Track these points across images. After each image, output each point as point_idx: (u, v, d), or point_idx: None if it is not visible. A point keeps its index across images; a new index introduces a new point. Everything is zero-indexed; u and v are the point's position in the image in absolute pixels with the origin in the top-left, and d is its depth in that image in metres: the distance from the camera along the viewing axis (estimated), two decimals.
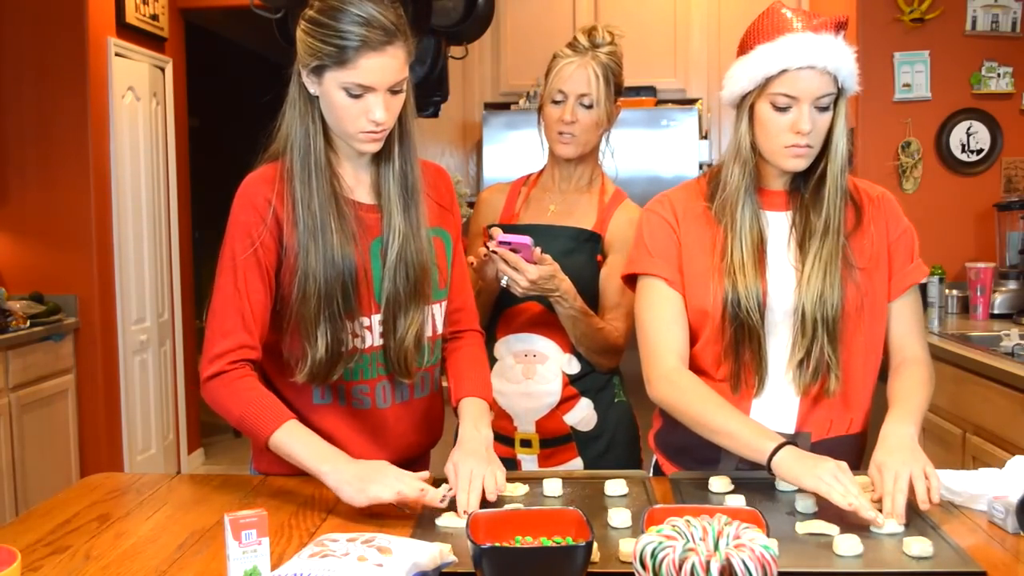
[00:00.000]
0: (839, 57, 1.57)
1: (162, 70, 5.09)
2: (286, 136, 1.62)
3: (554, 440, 2.09)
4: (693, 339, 1.71)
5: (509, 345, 2.09)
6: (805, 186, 1.67)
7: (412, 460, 1.78)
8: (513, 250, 1.89)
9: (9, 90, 4.27)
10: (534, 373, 2.07)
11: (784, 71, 1.56)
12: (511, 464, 2.08)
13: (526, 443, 2.09)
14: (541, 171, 2.20)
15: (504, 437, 2.08)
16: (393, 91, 1.56)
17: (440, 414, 1.84)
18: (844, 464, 1.45)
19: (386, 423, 1.71)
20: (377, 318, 1.65)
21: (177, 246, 5.20)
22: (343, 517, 1.49)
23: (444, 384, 1.81)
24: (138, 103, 4.77)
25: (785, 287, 1.65)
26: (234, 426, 1.60)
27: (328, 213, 1.59)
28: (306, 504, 1.55)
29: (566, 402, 2.08)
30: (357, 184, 1.67)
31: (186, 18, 5.34)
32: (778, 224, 1.68)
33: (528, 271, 1.88)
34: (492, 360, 2.08)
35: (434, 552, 1.22)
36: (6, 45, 4.26)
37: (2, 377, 3.76)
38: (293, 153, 1.61)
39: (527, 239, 1.90)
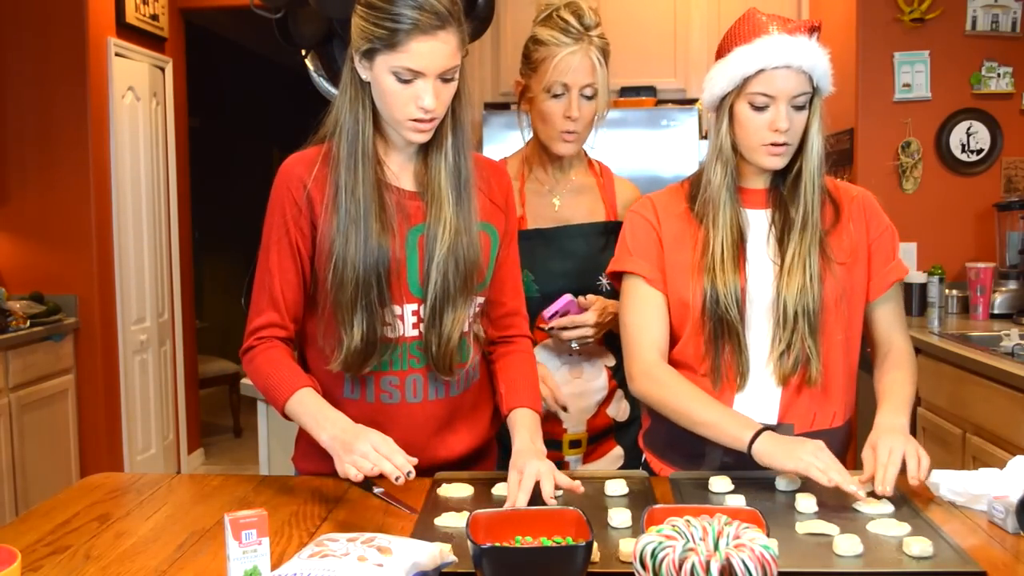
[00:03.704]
0: (813, 57, 1.63)
1: (162, 70, 5.09)
2: (335, 121, 1.62)
3: (599, 435, 2.07)
4: (676, 334, 1.75)
5: (551, 347, 2.03)
6: (783, 184, 1.72)
7: (460, 462, 1.74)
8: (563, 313, 1.90)
9: (9, 90, 4.27)
10: (581, 372, 2.03)
11: (761, 71, 1.62)
12: (559, 467, 2.04)
13: (575, 444, 2.05)
14: (523, 161, 2.07)
15: (552, 441, 2.00)
16: (444, 79, 1.54)
17: (486, 414, 1.79)
18: (821, 443, 1.52)
19: (415, 420, 1.67)
20: (410, 308, 1.63)
21: (177, 246, 5.20)
22: (343, 517, 1.49)
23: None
24: (138, 103, 4.77)
25: (764, 281, 1.69)
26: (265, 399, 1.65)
27: (372, 201, 1.58)
28: (306, 504, 1.55)
29: (610, 395, 2.07)
30: (402, 172, 1.66)
31: (186, 18, 5.34)
32: (758, 221, 1.73)
33: (587, 319, 1.89)
34: None
35: (434, 552, 1.22)
36: (6, 45, 4.26)
37: (2, 377, 3.76)
38: (341, 139, 1.60)
39: (566, 296, 1.90)
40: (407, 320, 1.64)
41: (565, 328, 1.93)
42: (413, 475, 1.44)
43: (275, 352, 1.64)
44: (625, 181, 2.13)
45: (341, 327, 1.59)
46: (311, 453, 1.73)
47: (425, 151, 1.65)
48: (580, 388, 2.02)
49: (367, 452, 1.45)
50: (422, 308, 1.63)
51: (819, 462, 1.48)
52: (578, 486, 1.51)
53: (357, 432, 1.50)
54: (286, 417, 1.61)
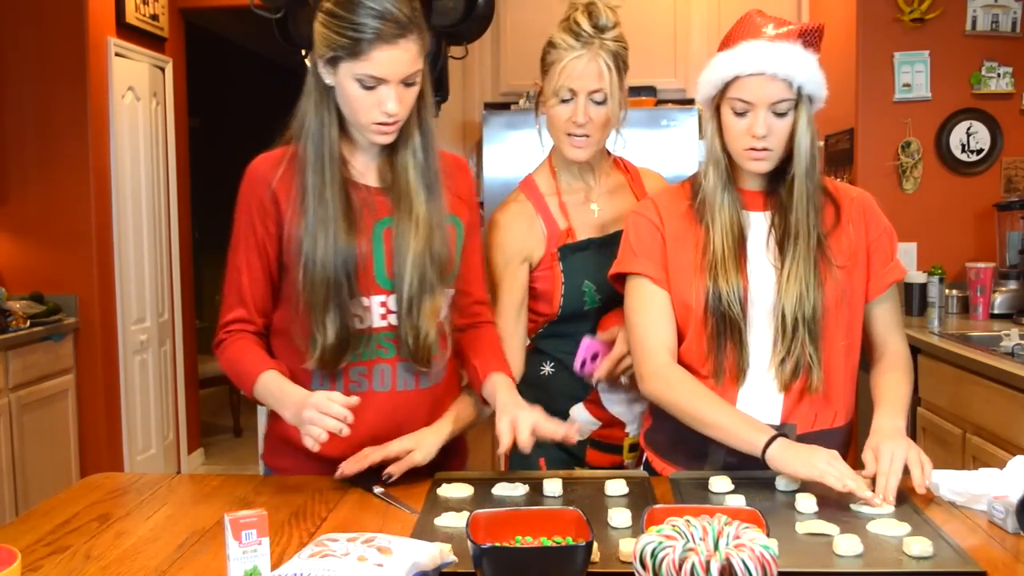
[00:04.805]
0: (793, 65, 1.61)
1: (162, 70, 5.09)
2: (301, 125, 1.65)
3: None
4: (679, 336, 1.74)
5: (611, 391, 1.98)
6: (782, 187, 1.71)
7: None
8: (594, 356, 1.87)
9: (9, 90, 4.27)
10: None
11: (737, 77, 1.63)
12: (619, 468, 2.01)
13: (634, 447, 2.02)
14: (551, 173, 2.00)
15: (612, 446, 2.00)
16: (407, 83, 1.58)
17: None
18: (836, 452, 1.53)
19: (383, 410, 1.69)
20: (378, 299, 1.66)
21: (177, 246, 5.20)
22: (343, 517, 1.49)
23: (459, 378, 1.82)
24: (138, 103, 4.77)
25: (765, 285, 1.69)
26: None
27: (339, 202, 1.62)
28: (306, 504, 1.55)
29: None
30: (367, 170, 1.70)
31: (186, 18, 5.34)
32: (758, 223, 1.72)
33: (621, 350, 1.85)
34: None
35: (434, 552, 1.22)
36: (6, 45, 4.26)
37: (2, 377, 3.76)
38: (307, 142, 1.64)
39: (584, 341, 1.86)
40: (375, 311, 1.67)
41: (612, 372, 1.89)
42: (350, 419, 1.50)
43: (244, 342, 1.70)
44: (650, 172, 2.09)
45: (314, 326, 1.62)
46: (280, 449, 1.75)
47: (389, 149, 1.69)
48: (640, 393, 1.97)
49: (313, 418, 1.51)
50: (390, 299, 1.66)
51: (834, 470, 1.48)
52: (572, 436, 1.61)
53: (304, 402, 1.54)
54: (257, 403, 1.67)
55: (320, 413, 1.50)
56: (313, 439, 1.51)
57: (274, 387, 1.62)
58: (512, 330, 1.93)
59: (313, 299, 1.61)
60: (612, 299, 1.91)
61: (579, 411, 1.98)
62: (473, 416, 1.83)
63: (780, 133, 1.64)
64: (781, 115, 1.63)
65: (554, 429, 1.61)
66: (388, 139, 1.63)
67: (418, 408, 1.72)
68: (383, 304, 1.66)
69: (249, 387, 1.65)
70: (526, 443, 1.56)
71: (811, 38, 1.63)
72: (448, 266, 1.69)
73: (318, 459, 1.64)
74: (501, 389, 1.70)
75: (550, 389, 1.89)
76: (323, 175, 1.62)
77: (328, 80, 1.61)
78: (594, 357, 1.89)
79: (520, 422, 1.59)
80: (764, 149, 1.64)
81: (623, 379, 1.89)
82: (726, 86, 1.65)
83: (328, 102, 1.63)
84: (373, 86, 1.56)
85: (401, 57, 1.55)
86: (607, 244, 1.93)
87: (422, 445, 1.66)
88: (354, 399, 1.52)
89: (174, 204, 5.17)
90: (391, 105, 1.57)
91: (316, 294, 1.61)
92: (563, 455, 1.96)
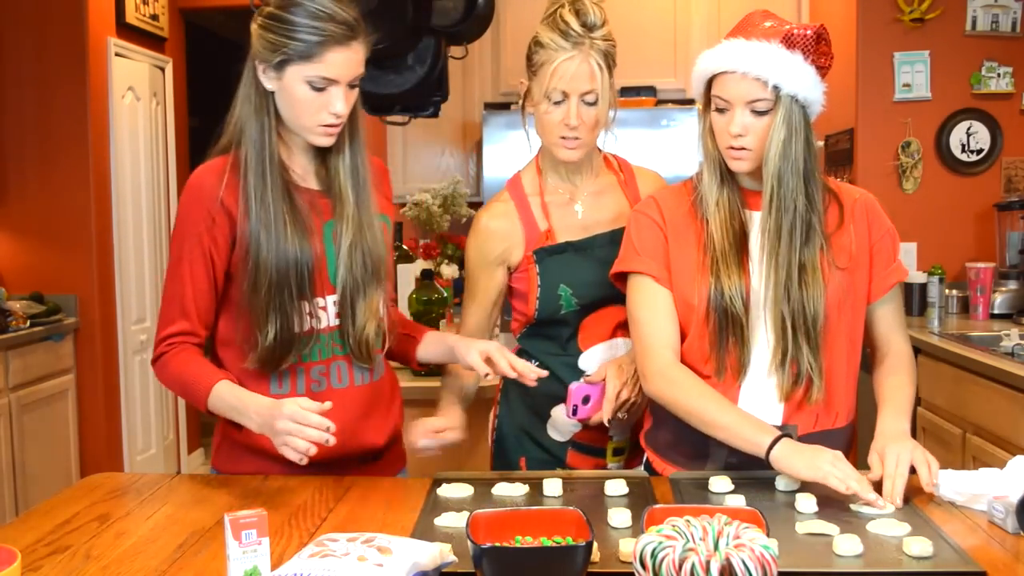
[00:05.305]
0: (767, 64, 1.59)
1: (162, 70, 5.09)
2: (240, 131, 1.67)
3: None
4: (681, 335, 1.74)
5: (597, 355, 1.92)
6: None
7: (379, 451, 1.79)
8: (586, 399, 1.84)
9: (9, 90, 4.27)
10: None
11: (714, 76, 1.65)
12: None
13: (618, 451, 1.98)
14: (536, 173, 1.97)
15: (594, 448, 1.96)
16: (351, 85, 1.63)
17: (399, 403, 1.86)
18: (839, 453, 1.52)
19: (344, 404, 1.69)
20: (332, 299, 1.70)
21: None
22: (343, 517, 1.49)
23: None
24: (138, 103, 4.77)
25: (768, 286, 1.67)
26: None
27: (281, 205, 1.64)
28: (306, 504, 1.55)
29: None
30: (307, 174, 1.73)
31: (186, 18, 5.34)
32: (761, 224, 1.70)
33: (614, 387, 1.81)
34: (580, 373, 1.90)
35: (434, 552, 1.22)
36: (6, 45, 4.26)
37: (2, 377, 3.76)
38: (248, 147, 1.65)
39: (573, 386, 1.83)
40: (330, 310, 1.70)
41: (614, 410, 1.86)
42: (333, 428, 1.50)
43: (186, 354, 1.67)
44: (647, 171, 2.05)
45: (255, 327, 1.64)
46: (237, 455, 1.75)
47: (323, 152, 1.72)
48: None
49: (291, 429, 1.49)
50: None
51: (838, 471, 1.47)
52: (533, 376, 1.72)
53: (273, 412, 1.52)
54: (210, 414, 1.65)
55: (298, 424, 1.48)
56: (300, 453, 1.49)
57: (231, 397, 1.61)
58: (481, 334, 1.94)
59: (255, 301, 1.63)
60: (592, 303, 1.89)
61: (560, 412, 1.94)
62: (465, 397, 1.96)
63: (759, 133, 1.62)
64: (760, 114, 1.62)
65: (524, 364, 1.72)
66: (331, 141, 1.66)
67: (370, 401, 1.76)
68: (336, 303, 1.70)
69: (202, 399, 1.63)
70: (507, 369, 1.69)
71: (796, 40, 1.60)
72: (383, 263, 1.74)
73: (273, 462, 1.64)
74: (448, 335, 1.83)
75: (533, 389, 1.87)
76: (264, 179, 1.63)
77: (269, 85, 1.64)
78: (585, 400, 1.84)
79: (492, 352, 1.71)
80: (742, 148, 1.64)
81: (621, 414, 1.85)
82: (710, 83, 1.66)
83: (268, 107, 1.65)
84: (323, 88, 1.60)
85: (352, 59, 1.60)
86: (585, 247, 1.90)
87: (461, 428, 1.85)
88: (327, 404, 1.52)
89: (174, 204, 5.17)
90: (340, 106, 1.61)
91: (258, 297, 1.63)
92: (543, 456, 1.96)
